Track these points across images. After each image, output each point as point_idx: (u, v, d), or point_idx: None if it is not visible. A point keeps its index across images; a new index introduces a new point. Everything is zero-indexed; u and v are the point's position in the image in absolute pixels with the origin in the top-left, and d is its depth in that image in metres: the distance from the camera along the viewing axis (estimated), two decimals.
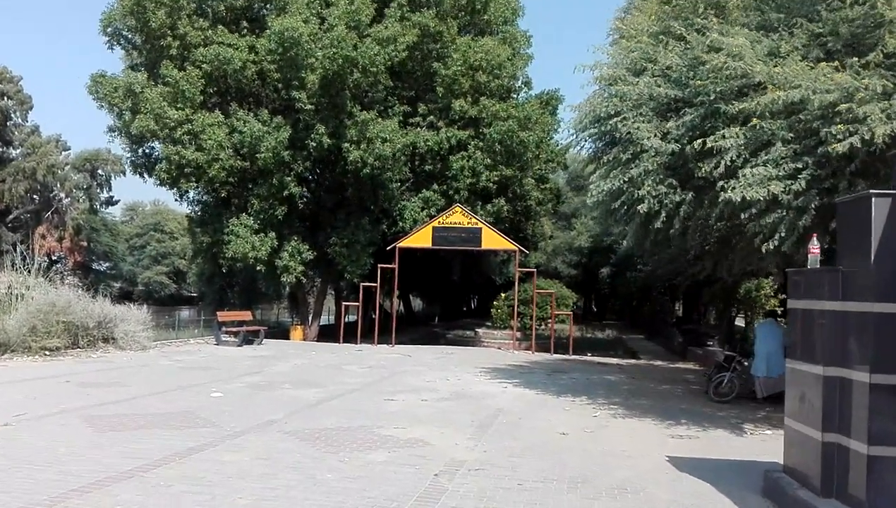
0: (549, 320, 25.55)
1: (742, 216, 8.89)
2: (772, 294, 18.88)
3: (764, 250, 8.93)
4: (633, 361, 21.63)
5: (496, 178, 25.38)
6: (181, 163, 22.70)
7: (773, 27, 10.65)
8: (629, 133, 10.38)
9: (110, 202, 77.50)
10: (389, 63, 23.32)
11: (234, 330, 21.49)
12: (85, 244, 72.65)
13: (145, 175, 25.52)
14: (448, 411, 10.35)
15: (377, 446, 7.79)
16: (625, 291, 48.04)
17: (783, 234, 8.68)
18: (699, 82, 9.94)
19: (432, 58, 26.01)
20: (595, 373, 16.45)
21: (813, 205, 8.45)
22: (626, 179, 10.35)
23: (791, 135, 8.71)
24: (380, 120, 23.35)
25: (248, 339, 21.56)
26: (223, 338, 21.27)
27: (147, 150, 25.46)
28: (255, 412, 9.70)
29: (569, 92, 58.02)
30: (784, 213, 8.63)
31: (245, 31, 25.08)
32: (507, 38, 28.25)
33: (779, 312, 16.37)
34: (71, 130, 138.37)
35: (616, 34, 14.20)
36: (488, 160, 25.10)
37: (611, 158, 10.79)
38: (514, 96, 28.79)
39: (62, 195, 69.62)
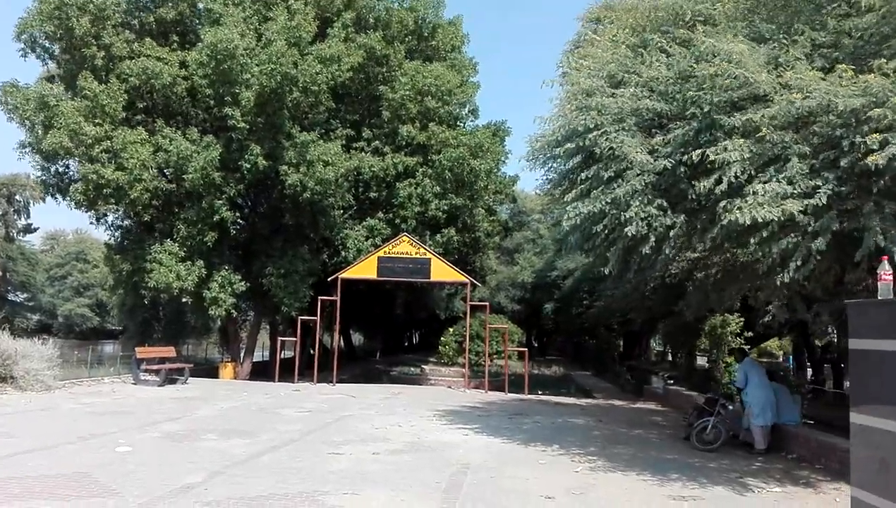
0: (496, 356, 24.28)
1: (751, 240, 7.72)
2: (737, 331, 18.04)
3: (779, 282, 7.75)
4: (590, 401, 20.40)
5: (446, 207, 24.08)
6: (99, 183, 20.46)
7: (764, 38, 9.74)
8: (611, 148, 9.22)
9: (28, 230, 73.12)
10: (332, 83, 21.90)
11: (155, 367, 19.35)
12: (0, 274, 68.04)
13: (58, 196, 23.10)
14: (406, 468, 8.74)
15: None
16: (569, 327, 47.36)
17: (798, 262, 7.55)
18: (692, 93, 8.89)
19: (378, 81, 24.82)
20: (558, 416, 15.07)
21: (832, 229, 7.35)
22: (608, 200, 9.14)
23: (807, 148, 7.64)
24: (321, 142, 21.81)
25: (171, 378, 19.43)
26: (142, 377, 19.08)
27: (61, 169, 23.07)
28: (168, 473, 7.88)
29: (515, 125, 57.78)
30: (799, 237, 7.51)
31: (175, 45, 23.29)
32: (455, 64, 27.34)
33: (747, 349, 15.44)
34: None
35: (565, 66, 13.01)
36: (437, 188, 23.83)
37: (590, 176, 9.58)
38: (461, 125, 27.77)
39: None
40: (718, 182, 7.81)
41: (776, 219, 7.32)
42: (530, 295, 48.65)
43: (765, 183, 7.50)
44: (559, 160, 10.81)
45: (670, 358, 47.78)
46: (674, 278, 17.85)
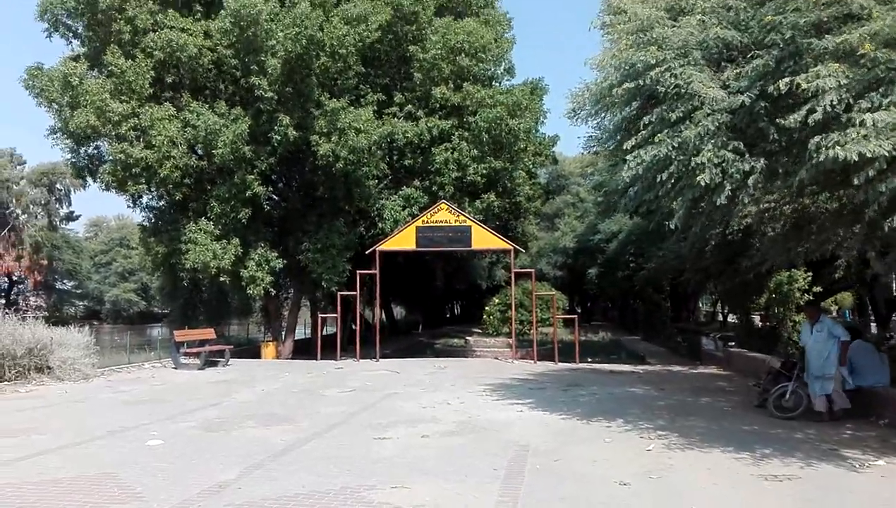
0: (542, 324, 23.33)
1: (854, 181, 6.58)
2: (805, 287, 16.73)
3: (886, 228, 6.62)
4: (646, 367, 19.34)
5: (484, 171, 22.99)
6: (127, 162, 19.93)
7: None
8: (677, 85, 8.10)
9: (70, 217, 74.22)
10: (360, 44, 20.83)
11: (195, 350, 18.89)
12: (45, 262, 69.18)
13: (89, 178, 22.71)
14: (459, 453, 7.91)
15: None
16: (613, 291, 46.11)
17: None
18: (769, 18, 7.70)
19: (408, 41, 23.65)
20: (615, 386, 14.11)
21: None
22: (675, 145, 8.05)
23: None
24: (352, 109, 20.86)
25: (212, 361, 18.97)
26: (182, 361, 18.68)
27: (91, 151, 22.61)
28: (200, 470, 7.18)
29: (551, 85, 55.98)
30: None
31: (199, 14, 22.45)
32: (488, 20, 26.05)
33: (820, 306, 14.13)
34: (27, 144, 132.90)
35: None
36: (475, 151, 22.71)
37: (653, 120, 8.49)
38: (497, 84, 26.52)
39: (18, 211, 66.22)
40: (812, 112, 6.66)
41: (886, 153, 6.18)
42: (572, 260, 47.44)
43: (871, 112, 6.33)
44: (614, 108, 9.71)
45: (721, 318, 46.24)
46: (736, 234, 16.60)
